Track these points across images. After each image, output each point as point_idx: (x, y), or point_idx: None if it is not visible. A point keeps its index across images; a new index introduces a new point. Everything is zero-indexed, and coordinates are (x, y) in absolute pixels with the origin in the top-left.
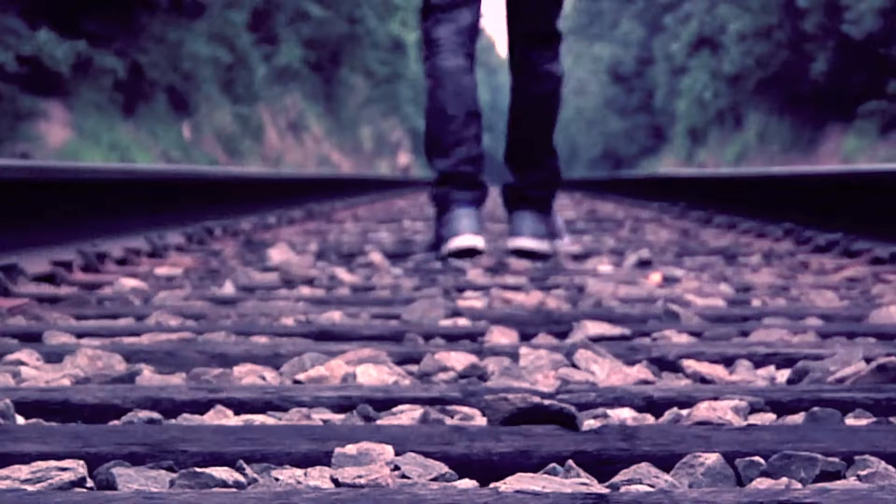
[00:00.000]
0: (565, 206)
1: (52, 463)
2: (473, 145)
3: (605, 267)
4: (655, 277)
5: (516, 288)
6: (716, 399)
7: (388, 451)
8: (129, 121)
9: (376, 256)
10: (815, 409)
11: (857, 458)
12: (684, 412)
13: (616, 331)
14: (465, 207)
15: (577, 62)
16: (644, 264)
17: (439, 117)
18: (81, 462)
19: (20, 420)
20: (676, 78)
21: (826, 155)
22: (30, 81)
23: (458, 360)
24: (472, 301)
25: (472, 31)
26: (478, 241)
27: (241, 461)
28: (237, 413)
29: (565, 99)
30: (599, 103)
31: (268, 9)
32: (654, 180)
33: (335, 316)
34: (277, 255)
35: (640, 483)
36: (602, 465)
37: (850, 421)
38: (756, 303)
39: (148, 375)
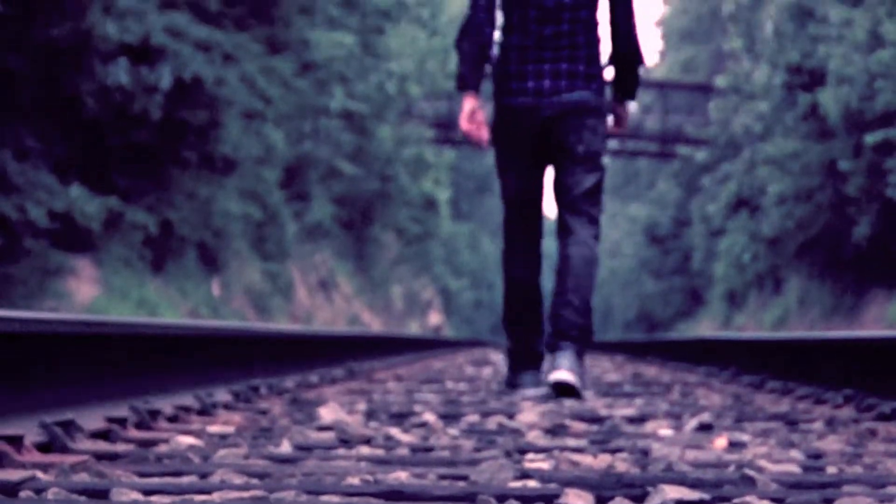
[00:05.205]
0: (608, 370)
1: None
2: (535, 326)
3: (665, 431)
4: (721, 442)
5: (579, 450)
6: None
7: None
8: (158, 277)
9: (430, 417)
10: None
11: None
12: None
13: (695, 495)
14: (529, 369)
15: (612, 223)
16: (704, 428)
17: (510, 310)
18: None
19: None
20: (714, 240)
21: (869, 321)
22: (60, 237)
23: None
24: (538, 463)
25: (536, 248)
26: (539, 391)
27: None
28: None
29: (600, 259)
30: (635, 264)
31: (300, 166)
32: (698, 343)
33: (402, 476)
34: (328, 414)
35: None
36: None
37: None
38: (831, 469)
39: None
